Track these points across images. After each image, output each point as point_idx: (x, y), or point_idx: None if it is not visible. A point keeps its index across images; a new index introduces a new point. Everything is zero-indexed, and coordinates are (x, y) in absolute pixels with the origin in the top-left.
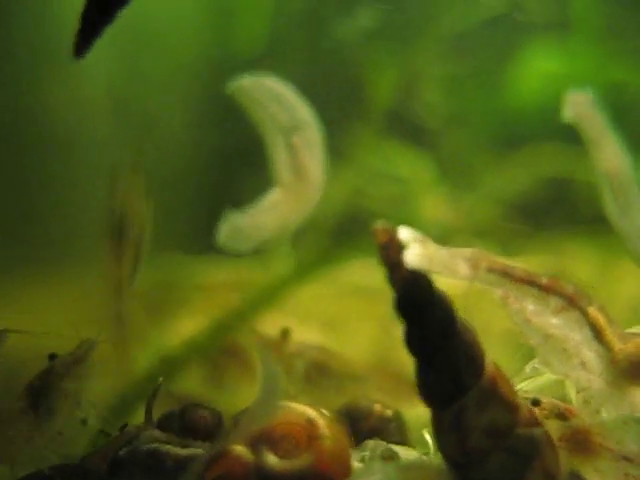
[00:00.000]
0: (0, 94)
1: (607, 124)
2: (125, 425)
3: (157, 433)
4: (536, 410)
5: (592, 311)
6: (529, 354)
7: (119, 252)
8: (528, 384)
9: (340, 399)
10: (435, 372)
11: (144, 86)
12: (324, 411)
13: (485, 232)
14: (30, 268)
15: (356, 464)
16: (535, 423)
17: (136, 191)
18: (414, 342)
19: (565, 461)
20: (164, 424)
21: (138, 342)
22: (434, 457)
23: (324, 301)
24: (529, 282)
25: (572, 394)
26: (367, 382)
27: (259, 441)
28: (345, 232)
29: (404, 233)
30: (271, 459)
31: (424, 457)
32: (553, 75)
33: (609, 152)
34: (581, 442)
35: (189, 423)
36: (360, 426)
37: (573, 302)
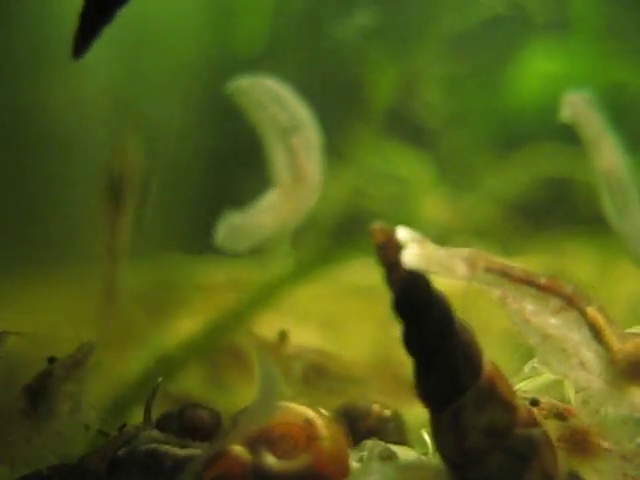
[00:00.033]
0: (1, 94)
1: (605, 124)
2: (124, 425)
3: (156, 433)
4: (535, 410)
5: (591, 311)
6: (528, 354)
7: (115, 218)
8: (527, 384)
9: (338, 401)
10: (433, 372)
11: (144, 86)
12: (323, 411)
13: (485, 232)
14: (30, 268)
15: (354, 464)
16: (533, 423)
17: (135, 154)
18: (412, 342)
19: (564, 461)
20: (163, 424)
21: (137, 342)
22: (433, 457)
23: (323, 301)
24: (527, 282)
25: (571, 394)
26: (366, 383)
27: (257, 441)
28: (345, 232)
29: (402, 233)
30: (269, 459)
31: (423, 457)
32: (553, 75)
33: (607, 152)
34: (580, 442)
35: (188, 423)
36: (358, 426)
37: (572, 302)
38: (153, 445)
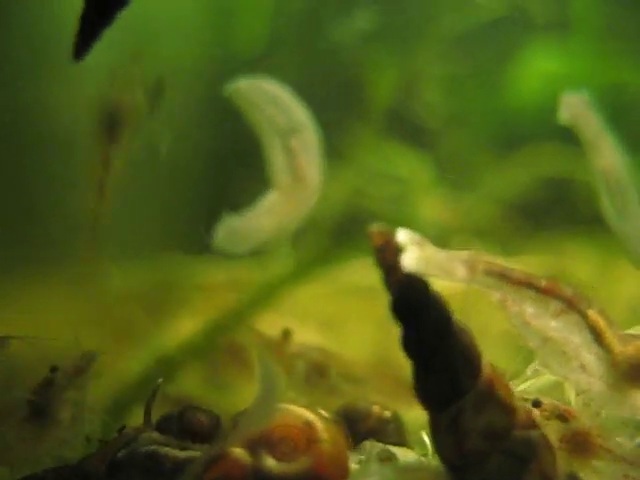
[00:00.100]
0: (1, 94)
1: (603, 125)
2: (123, 427)
3: (156, 435)
4: (537, 411)
5: (592, 314)
6: (528, 356)
7: (107, 152)
8: (529, 386)
9: (339, 400)
10: (432, 374)
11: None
12: (322, 412)
13: (485, 232)
14: (29, 268)
15: (354, 466)
16: (532, 425)
17: (134, 87)
18: (411, 345)
19: (563, 463)
20: (162, 426)
21: (137, 342)
22: (432, 459)
23: (323, 301)
24: (527, 285)
25: (572, 396)
26: (366, 384)
27: (257, 443)
28: (344, 232)
29: (402, 236)
30: (269, 462)
31: (422, 458)
32: (553, 75)
33: (606, 153)
34: (581, 443)
35: (187, 426)
36: (358, 427)
37: (572, 305)
38: (153, 447)
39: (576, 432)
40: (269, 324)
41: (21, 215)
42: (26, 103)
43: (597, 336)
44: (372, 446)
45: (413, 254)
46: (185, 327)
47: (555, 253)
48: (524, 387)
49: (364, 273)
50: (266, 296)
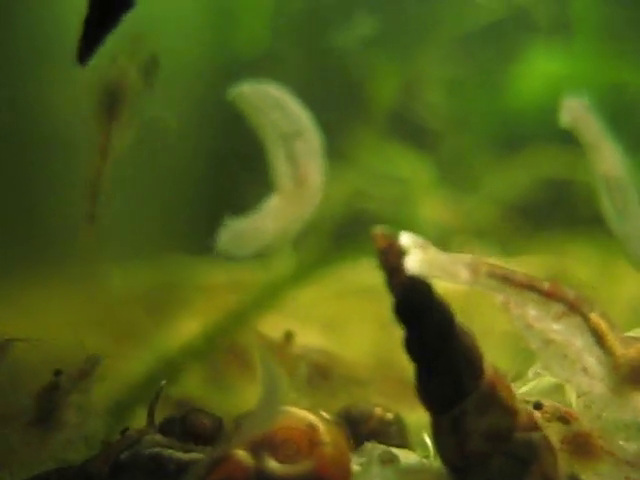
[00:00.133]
0: (2, 94)
1: (604, 128)
2: (126, 429)
3: (159, 437)
4: (538, 413)
5: (594, 317)
6: (529, 357)
7: (108, 128)
8: (532, 388)
9: (341, 402)
10: (434, 376)
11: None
12: (325, 414)
13: (485, 233)
14: (30, 269)
15: (356, 468)
16: (534, 427)
17: (134, 64)
18: (413, 347)
19: (564, 465)
20: (165, 429)
21: (139, 343)
22: (434, 460)
23: (325, 302)
24: (530, 287)
25: (573, 398)
26: (369, 385)
27: (260, 446)
28: (346, 233)
29: (405, 238)
30: (272, 464)
31: (424, 460)
32: (554, 76)
33: (607, 156)
34: (582, 445)
35: (190, 429)
36: (360, 429)
37: (574, 307)
38: (156, 449)
39: (577, 434)
40: (271, 326)
41: (21, 215)
42: (28, 103)
43: (599, 339)
44: (374, 448)
45: (417, 257)
46: (187, 328)
47: (555, 254)
48: (526, 389)
49: (366, 274)
50: (268, 297)
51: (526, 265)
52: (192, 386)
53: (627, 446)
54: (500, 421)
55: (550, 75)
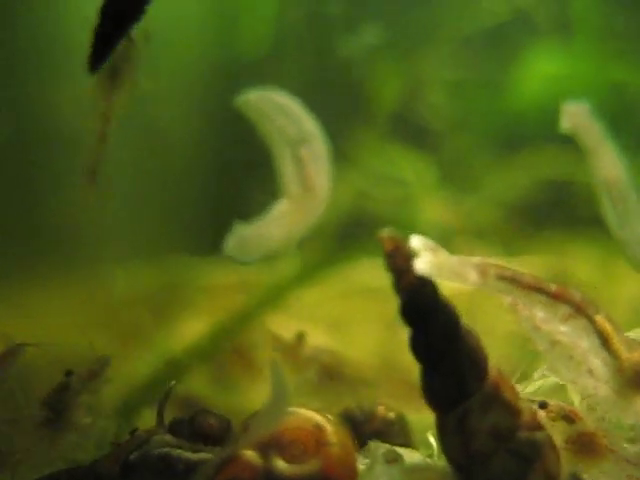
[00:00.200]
0: (3, 93)
1: (604, 131)
2: (135, 429)
3: (168, 437)
4: (543, 413)
5: (600, 319)
6: (534, 357)
7: (109, 102)
8: (538, 388)
9: (347, 402)
10: (440, 376)
11: (146, 86)
12: (330, 416)
13: (487, 233)
14: (35, 271)
15: (361, 467)
16: (537, 426)
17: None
18: (419, 348)
19: (568, 463)
20: (174, 429)
21: (144, 344)
22: (437, 459)
23: (329, 303)
24: (538, 289)
25: (575, 399)
26: (375, 385)
27: (268, 446)
28: (350, 234)
29: (415, 241)
30: (280, 464)
31: (428, 459)
32: (555, 77)
33: (607, 161)
34: (587, 444)
35: (198, 429)
36: (364, 429)
37: (581, 310)
38: (166, 449)
39: (582, 433)
40: (276, 326)
41: (22, 216)
42: (29, 102)
43: (604, 341)
44: (377, 447)
45: (426, 259)
46: (191, 329)
47: (556, 254)
48: (530, 389)
49: (370, 275)
50: (273, 298)
51: (527, 265)
52: (198, 386)
53: (631, 446)
54: (504, 420)
55: (551, 76)
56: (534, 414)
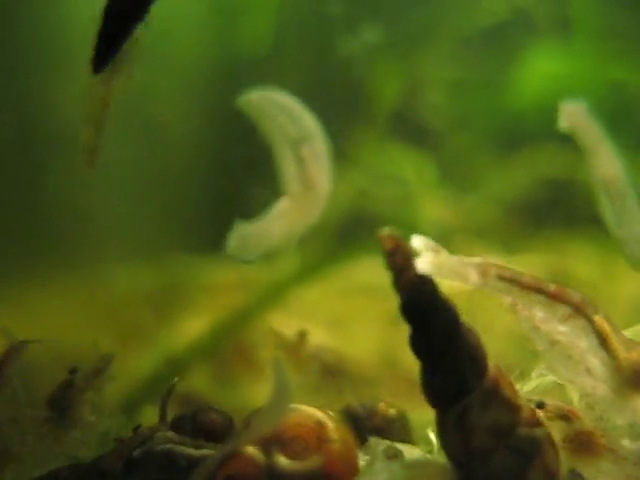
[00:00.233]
0: (5, 93)
1: (603, 130)
2: (139, 426)
3: (171, 434)
4: (541, 412)
5: (598, 319)
6: (532, 356)
7: (107, 89)
8: (536, 387)
9: (349, 400)
10: (440, 374)
11: (147, 86)
12: (331, 413)
13: (486, 232)
14: (36, 271)
15: (362, 463)
16: (536, 423)
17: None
18: (419, 346)
19: (566, 460)
20: (177, 426)
21: (145, 342)
22: (438, 456)
23: (330, 300)
24: (537, 290)
25: (574, 398)
26: (375, 383)
27: (270, 442)
28: (350, 232)
29: (417, 241)
30: (282, 460)
31: (428, 455)
32: (554, 76)
33: (605, 160)
34: (584, 443)
35: (201, 426)
36: (364, 425)
37: (580, 310)
38: (169, 445)
39: (580, 432)
40: (277, 324)
41: (23, 216)
42: (31, 102)
43: (603, 341)
44: (378, 443)
45: (427, 259)
46: (192, 327)
47: (556, 252)
48: (528, 388)
49: (370, 273)
50: (273, 296)
51: (526, 264)
52: (199, 384)
53: (629, 445)
54: (503, 416)
55: (550, 75)
56: (533, 411)
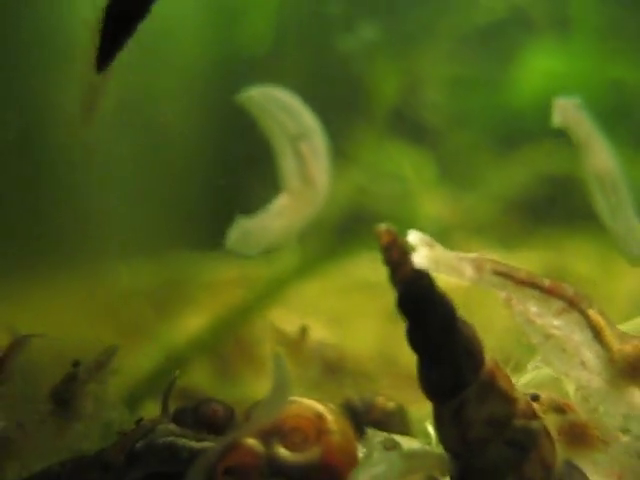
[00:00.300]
0: (6, 93)
1: (598, 126)
2: (141, 419)
3: (172, 427)
4: (535, 405)
5: (592, 313)
6: (528, 350)
7: (103, 77)
8: (531, 380)
9: (349, 394)
10: (437, 367)
11: (148, 86)
12: (331, 405)
13: (485, 229)
14: (38, 267)
15: (361, 456)
16: (532, 415)
17: None
18: (416, 339)
19: (561, 452)
20: (178, 419)
21: (146, 339)
22: (436, 447)
23: (329, 297)
24: (532, 284)
25: (570, 390)
26: (375, 378)
27: (270, 434)
28: (349, 229)
29: (413, 236)
30: (281, 451)
31: (427, 446)
32: (553, 74)
33: (599, 155)
34: (579, 435)
35: (203, 417)
36: (364, 419)
37: (574, 304)
38: (170, 438)
39: (574, 424)
40: (276, 320)
41: (25, 213)
42: (32, 101)
43: (597, 334)
44: (375, 435)
45: (423, 253)
46: (193, 323)
47: (555, 249)
48: (524, 381)
49: (370, 269)
50: (273, 292)
51: (525, 260)
52: (200, 380)
53: (623, 436)
54: (500, 409)
55: (549, 73)
56: (529, 403)
